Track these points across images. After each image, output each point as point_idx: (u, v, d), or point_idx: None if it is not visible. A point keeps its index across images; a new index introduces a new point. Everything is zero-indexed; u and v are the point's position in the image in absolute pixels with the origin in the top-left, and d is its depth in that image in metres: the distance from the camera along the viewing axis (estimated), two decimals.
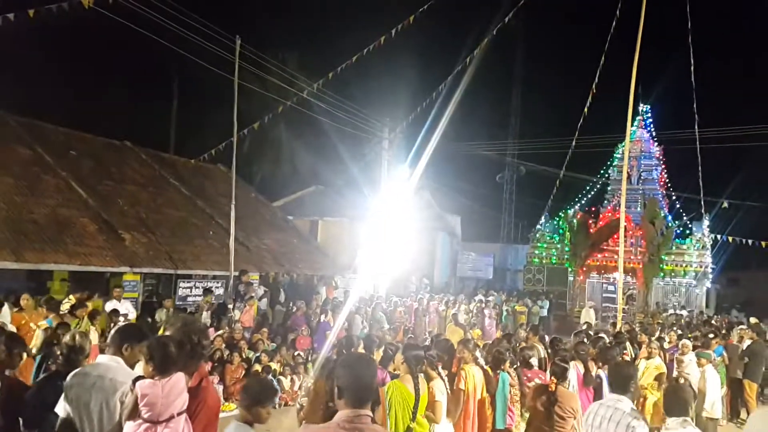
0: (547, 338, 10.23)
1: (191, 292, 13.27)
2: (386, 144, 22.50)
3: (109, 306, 10.46)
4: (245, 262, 15.12)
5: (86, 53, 26.90)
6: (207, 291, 12.96)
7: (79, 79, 25.72)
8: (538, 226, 27.87)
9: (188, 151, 21.73)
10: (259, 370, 9.84)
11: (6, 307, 8.65)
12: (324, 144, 26.92)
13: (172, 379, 3.28)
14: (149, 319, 11.54)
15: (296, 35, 35.70)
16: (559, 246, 27.03)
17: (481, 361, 6.67)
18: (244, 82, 15.24)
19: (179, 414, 3.26)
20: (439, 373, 5.61)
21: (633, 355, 9.38)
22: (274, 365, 10.43)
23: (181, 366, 3.35)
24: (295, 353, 11.40)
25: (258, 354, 10.50)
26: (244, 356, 10.21)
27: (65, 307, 9.10)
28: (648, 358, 8.88)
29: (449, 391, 5.81)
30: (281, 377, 10.23)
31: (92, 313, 8.69)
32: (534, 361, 7.11)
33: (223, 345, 10.35)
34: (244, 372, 9.85)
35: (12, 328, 6.95)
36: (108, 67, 28.03)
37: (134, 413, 3.27)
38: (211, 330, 11.11)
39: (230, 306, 12.42)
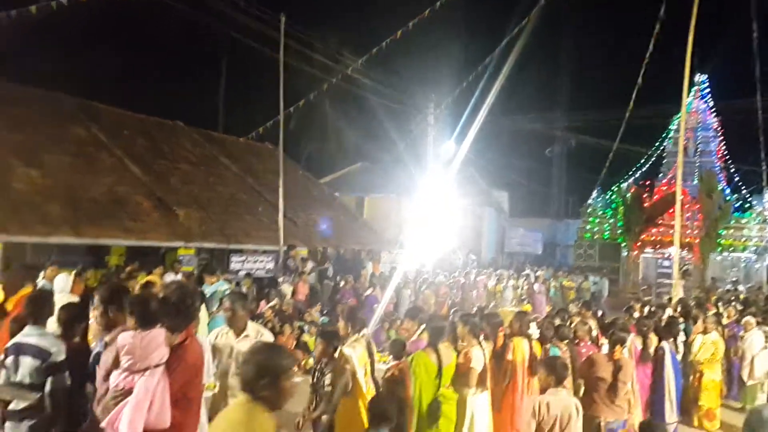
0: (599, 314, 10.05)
1: (242, 266, 13.55)
2: (432, 119, 22.31)
3: (167, 278, 10.77)
4: (294, 237, 15.34)
5: (137, 34, 27.52)
6: (247, 275, 13.02)
7: (130, 60, 26.35)
8: (590, 201, 27.26)
9: (237, 129, 22.05)
10: (307, 342, 10.06)
11: (63, 276, 8.98)
12: (370, 120, 26.86)
13: (151, 332, 3.44)
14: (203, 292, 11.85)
15: (341, 11, 35.64)
16: (611, 221, 26.41)
17: (534, 335, 6.61)
18: (289, 60, 15.32)
19: (156, 366, 3.38)
20: (479, 343, 5.58)
21: (688, 331, 9.11)
22: None
23: (166, 323, 3.51)
24: None
25: (307, 325, 10.70)
26: (294, 328, 10.41)
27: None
28: (704, 333, 8.61)
29: (488, 361, 5.76)
30: None
31: (146, 284, 8.99)
32: (592, 334, 7.00)
33: (275, 317, 10.56)
34: (295, 343, 10.07)
35: (72, 297, 7.22)
36: (158, 47, 28.61)
37: (116, 363, 3.46)
38: (263, 303, 11.36)
39: (280, 280, 12.63)
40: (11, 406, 4.01)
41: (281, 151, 14.88)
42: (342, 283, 13.85)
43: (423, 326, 5.90)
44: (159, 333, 3.45)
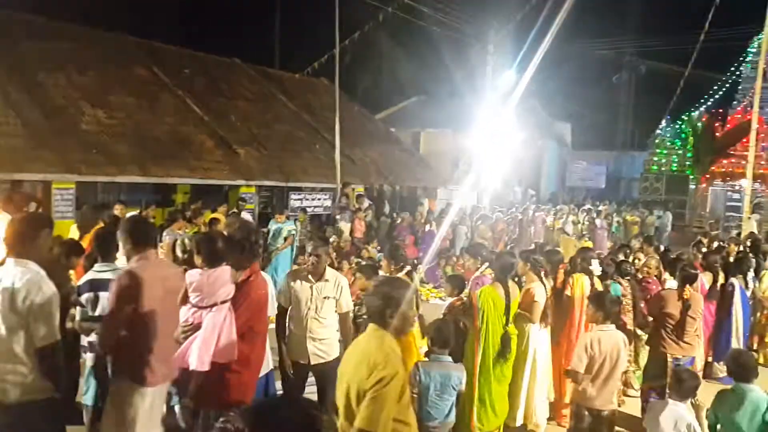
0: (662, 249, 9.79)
1: (302, 203, 13.80)
2: (491, 48, 21.52)
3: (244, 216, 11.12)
4: (350, 175, 15.44)
5: None
6: (302, 210, 13.24)
7: None
8: (658, 131, 26.05)
9: (293, 65, 22.00)
10: None
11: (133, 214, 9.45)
12: (426, 52, 26.17)
13: (217, 270, 3.55)
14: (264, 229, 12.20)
15: None
16: (680, 152, 25.25)
17: (597, 272, 6.53)
18: None
19: (223, 302, 3.51)
20: (541, 279, 5.59)
21: (758, 267, 8.78)
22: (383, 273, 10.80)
23: (231, 261, 3.62)
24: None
25: (364, 261, 10.88)
26: (352, 264, 10.62)
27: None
28: None
29: (549, 298, 5.75)
30: None
31: (211, 220, 9.31)
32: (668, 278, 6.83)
33: (333, 254, 10.80)
34: (353, 279, 10.29)
35: None
36: None
37: (185, 299, 3.60)
38: None
39: (337, 217, 12.83)
40: (91, 338, 4.28)
41: (337, 87, 14.78)
42: (398, 220, 13.94)
43: (486, 263, 5.93)
44: (225, 270, 3.58)
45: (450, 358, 4.33)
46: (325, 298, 4.57)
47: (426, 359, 4.39)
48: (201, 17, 26.77)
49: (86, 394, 4.38)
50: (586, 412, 4.63)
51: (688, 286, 5.82)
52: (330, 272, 4.68)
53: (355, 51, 23.83)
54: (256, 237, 3.90)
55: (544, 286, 5.60)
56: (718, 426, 4.22)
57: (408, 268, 5.65)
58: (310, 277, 4.62)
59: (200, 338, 3.48)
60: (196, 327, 3.53)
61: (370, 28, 18.45)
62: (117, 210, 8.98)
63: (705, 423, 4.41)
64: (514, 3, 20.14)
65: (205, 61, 17.82)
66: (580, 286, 6.02)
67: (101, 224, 7.29)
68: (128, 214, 9.05)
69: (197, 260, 3.67)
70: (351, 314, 4.84)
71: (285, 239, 9.96)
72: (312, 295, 4.59)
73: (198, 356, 3.44)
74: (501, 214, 16.57)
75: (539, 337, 5.51)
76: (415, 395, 4.05)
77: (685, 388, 4.27)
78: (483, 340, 4.97)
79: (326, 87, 20.31)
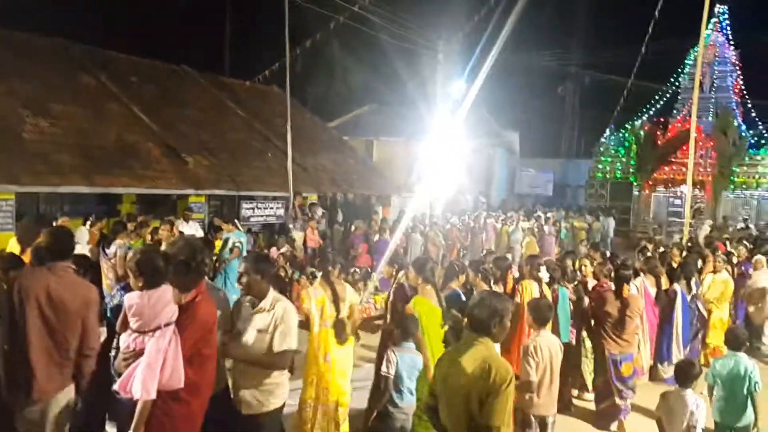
0: (608, 254, 10.10)
1: (254, 212, 13.65)
2: (441, 58, 21.83)
3: (181, 228, 10.89)
4: (303, 183, 15.36)
5: None
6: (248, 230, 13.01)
7: (134, 5, 25.84)
8: (603, 139, 26.85)
9: (243, 73, 21.78)
10: None
11: (84, 228, 9.18)
12: (378, 61, 26.33)
13: (158, 290, 3.36)
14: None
15: None
16: (624, 159, 26.08)
17: (545, 278, 6.68)
18: None
19: (166, 325, 3.31)
20: (490, 287, 5.69)
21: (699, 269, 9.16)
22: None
23: (175, 282, 3.43)
24: (351, 270, 11.68)
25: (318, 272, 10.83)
26: (308, 274, 10.56)
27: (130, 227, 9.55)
28: (714, 272, 8.69)
29: None
30: None
31: (153, 230, 9.15)
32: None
33: (287, 264, 10.71)
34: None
35: (87, 248, 7.38)
36: None
37: (125, 324, 3.41)
38: (273, 249, 11.50)
39: (291, 226, 12.75)
40: None
41: (288, 95, 14.69)
42: (353, 229, 13.95)
43: (402, 270, 5.97)
44: (166, 290, 3.39)
45: (413, 345, 4.77)
46: (258, 331, 3.87)
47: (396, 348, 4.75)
48: (149, 24, 26.21)
49: None
50: (533, 419, 4.75)
51: (625, 285, 6.13)
52: (269, 299, 3.96)
53: (306, 59, 23.80)
54: (202, 255, 3.62)
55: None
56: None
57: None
58: (247, 304, 4.00)
59: (144, 364, 3.25)
60: (138, 354, 3.31)
61: (322, 36, 18.47)
62: (61, 222, 8.70)
63: None
64: (464, 14, 20.52)
65: (153, 69, 17.46)
66: (530, 292, 6.16)
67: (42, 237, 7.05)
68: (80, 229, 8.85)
69: (135, 281, 3.44)
70: (290, 353, 3.96)
71: (231, 251, 9.63)
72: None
73: (142, 384, 3.21)
74: (456, 221, 16.79)
75: None
76: (389, 376, 4.57)
77: (692, 375, 4.72)
78: (430, 349, 4.99)
79: (278, 95, 20.17)
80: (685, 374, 4.73)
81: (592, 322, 6.44)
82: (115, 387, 3.33)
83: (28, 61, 13.24)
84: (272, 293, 4.01)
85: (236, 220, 10.66)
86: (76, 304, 3.71)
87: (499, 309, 3.20)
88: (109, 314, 4.32)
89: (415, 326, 4.81)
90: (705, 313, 8.45)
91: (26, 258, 6.68)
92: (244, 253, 9.74)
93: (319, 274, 5.63)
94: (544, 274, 6.74)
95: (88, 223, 9.90)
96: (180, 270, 3.47)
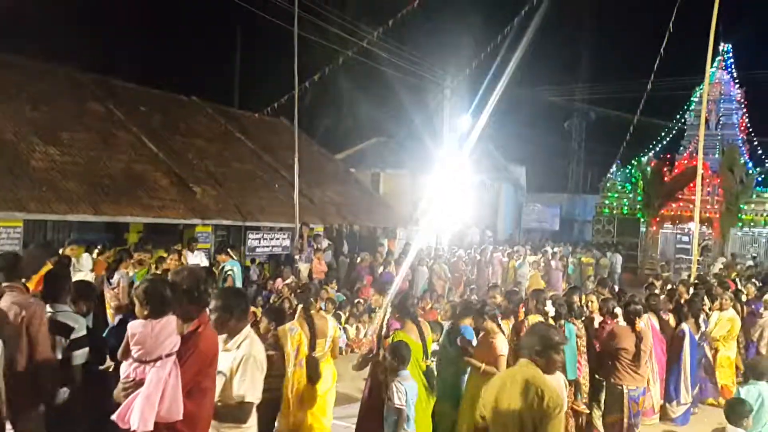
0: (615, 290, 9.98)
1: (260, 243, 13.63)
2: (448, 93, 22.04)
3: (189, 258, 10.86)
4: (309, 215, 15.36)
5: (151, 9, 27.40)
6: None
7: (144, 36, 26.32)
8: (609, 175, 26.84)
9: (252, 104, 22.02)
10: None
11: (87, 256, 9.18)
12: (385, 95, 26.65)
13: (162, 320, 3.30)
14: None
15: None
16: (631, 195, 26.02)
17: (551, 312, 6.60)
18: (304, 33, 15.17)
19: (168, 356, 3.26)
20: (499, 326, 5.59)
21: (709, 307, 9.04)
22: (343, 314, 10.72)
23: (178, 311, 3.38)
24: (356, 301, 11.60)
25: (323, 302, 10.75)
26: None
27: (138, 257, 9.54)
28: (720, 309, 8.58)
29: (511, 338, 5.79)
30: (347, 326, 10.48)
31: (158, 259, 9.12)
32: (617, 311, 7.00)
33: (291, 294, 10.62)
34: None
35: (91, 276, 7.37)
36: (172, 22, 28.49)
37: (127, 353, 3.34)
38: (279, 280, 11.43)
39: (296, 257, 12.70)
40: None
41: (296, 127, 14.81)
42: (358, 260, 13.90)
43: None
44: (170, 321, 3.34)
45: (409, 372, 4.75)
46: (218, 373, 3.53)
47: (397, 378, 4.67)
48: (159, 55, 26.66)
49: None
50: None
51: (637, 319, 6.08)
52: (238, 339, 3.65)
53: (315, 92, 24.11)
54: (206, 285, 3.59)
55: (504, 334, 5.64)
56: None
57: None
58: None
59: (143, 395, 3.19)
60: (138, 383, 3.25)
61: (330, 69, 18.67)
62: (69, 251, 8.72)
63: None
64: (471, 49, 20.77)
65: (162, 99, 17.67)
66: None
67: (48, 265, 7.07)
68: (83, 257, 8.86)
69: (140, 310, 3.37)
70: (248, 406, 3.58)
71: (224, 280, 9.52)
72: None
73: (141, 415, 3.14)
74: (462, 254, 16.71)
75: None
76: (403, 407, 4.54)
77: (743, 413, 4.71)
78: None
79: (286, 127, 20.34)
80: (736, 412, 4.73)
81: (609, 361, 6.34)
82: (114, 417, 3.26)
83: (40, 89, 13.43)
84: (246, 331, 3.70)
85: (229, 250, 10.56)
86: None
87: (547, 339, 3.44)
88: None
89: (408, 351, 4.75)
90: (710, 352, 8.33)
91: (31, 285, 6.67)
92: (238, 283, 9.64)
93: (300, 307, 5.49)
94: (550, 309, 6.66)
95: (96, 251, 9.91)
96: (183, 299, 3.43)
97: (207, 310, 3.63)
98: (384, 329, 5.40)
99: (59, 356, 4.19)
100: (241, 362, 3.54)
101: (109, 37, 23.70)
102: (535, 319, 6.18)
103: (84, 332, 4.34)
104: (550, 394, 3.27)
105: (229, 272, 9.43)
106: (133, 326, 3.34)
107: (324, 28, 18.97)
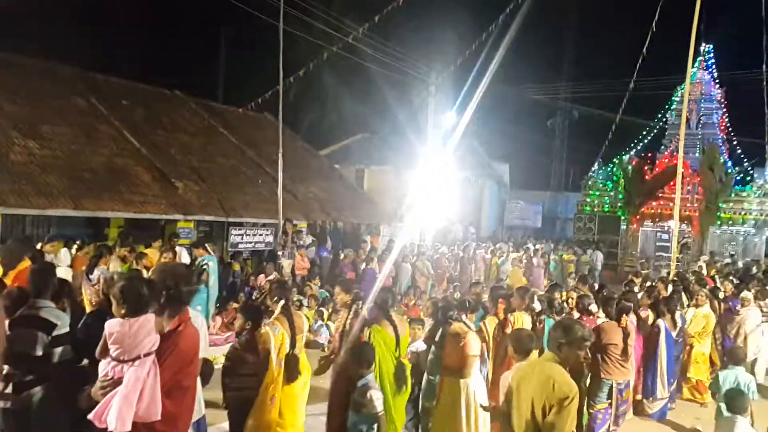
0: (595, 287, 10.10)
1: (242, 239, 13.57)
2: (433, 89, 22.08)
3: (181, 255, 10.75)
4: (293, 210, 15.33)
5: (135, 3, 27.09)
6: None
7: (128, 29, 26.01)
8: (591, 173, 27.09)
9: (236, 99, 21.88)
10: (307, 316, 10.10)
11: (66, 251, 9.08)
12: (370, 91, 26.63)
13: (140, 319, 3.27)
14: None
15: None
16: (612, 193, 26.29)
17: (537, 308, 6.70)
18: (289, 28, 15.12)
19: (146, 355, 3.23)
20: (468, 326, 5.60)
21: (686, 304, 9.19)
22: (325, 311, 10.73)
23: (157, 309, 3.36)
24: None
25: (306, 299, 10.76)
26: (294, 301, 10.47)
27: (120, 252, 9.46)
28: (696, 306, 8.74)
29: (490, 340, 5.83)
30: (329, 323, 10.49)
31: (138, 255, 9.06)
32: (593, 308, 7.13)
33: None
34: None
35: (69, 271, 7.30)
36: (156, 15, 28.17)
37: (105, 351, 3.31)
38: (261, 276, 11.41)
39: (279, 253, 12.67)
40: (15, 379, 4.08)
41: (280, 122, 14.77)
42: (342, 257, 13.90)
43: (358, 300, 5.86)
44: (148, 320, 3.30)
45: (373, 375, 4.62)
46: None
47: (365, 383, 4.50)
48: (143, 50, 26.37)
49: None
50: None
51: (624, 315, 6.23)
52: None
53: (299, 88, 24.04)
54: (187, 281, 3.58)
55: (472, 329, 5.64)
56: None
57: (359, 299, 5.51)
58: None
59: (120, 395, 3.17)
60: (116, 382, 3.23)
61: (315, 65, 18.62)
62: (48, 247, 8.62)
63: None
64: (456, 46, 20.82)
65: (145, 93, 17.49)
66: (521, 323, 6.13)
67: (27, 261, 6.98)
68: (61, 251, 8.77)
69: (117, 308, 3.33)
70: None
71: (200, 275, 9.40)
72: None
73: (118, 415, 3.12)
74: (446, 250, 16.77)
75: (477, 386, 5.47)
76: (381, 415, 4.39)
77: (741, 403, 4.98)
78: (378, 380, 4.89)
79: (269, 122, 20.25)
80: (738, 403, 4.98)
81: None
82: (90, 416, 3.23)
83: (19, 82, 13.23)
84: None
85: (206, 245, 10.46)
86: None
87: (571, 334, 3.61)
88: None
89: (372, 354, 4.68)
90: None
91: (8, 280, 6.59)
92: (213, 278, 9.59)
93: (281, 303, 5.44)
94: (536, 306, 6.75)
95: (75, 247, 9.80)
96: (161, 297, 3.40)
97: (187, 308, 3.61)
98: (349, 328, 5.34)
99: (39, 353, 4.15)
100: None
101: (92, 32, 23.36)
102: (520, 316, 6.25)
103: (66, 329, 4.29)
104: (560, 385, 3.44)
105: (205, 266, 9.35)
106: (110, 325, 3.30)
107: (309, 24, 18.92)
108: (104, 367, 3.32)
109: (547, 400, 3.43)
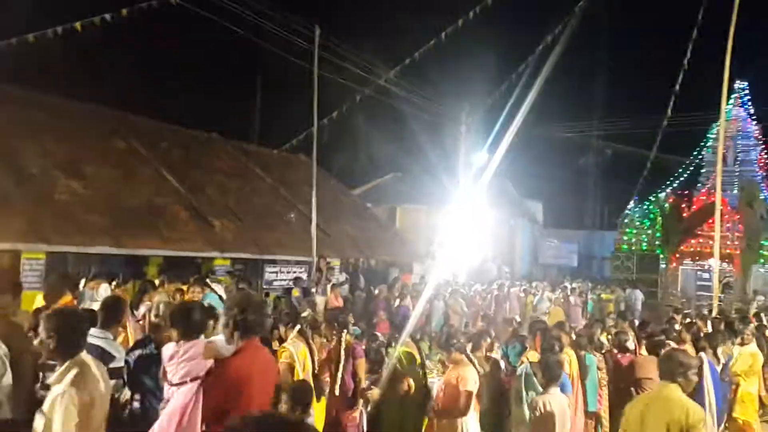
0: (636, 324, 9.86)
1: (276, 276, 13.67)
2: (464, 129, 22.24)
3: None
4: (326, 248, 15.41)
5: (173, 48, 28.15)
6: (297, 279, 13.19)
7: (167, 73, 27.00)
8: (627, 211, 26.70)
9: (271, 141, 22.36)
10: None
11: (106, 286, 9.25)
12: (402, 131, 26.88)
13: (192, 343, 3.27)
14: None
15: (374, 21, 35.83)
16: (649, 232, 25.82)
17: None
18: (323, 72, 15.49)
19: (193, 380, 3.18)
20: (470, 359, 5.38)
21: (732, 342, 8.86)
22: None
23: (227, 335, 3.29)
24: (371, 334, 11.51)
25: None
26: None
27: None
28: (742, 344, 8.41)
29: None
30: None
31: (178, 290, 9.17)
32: (630, 345, 6.94)
33: (308, 327, 10.59)
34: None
35: None
36: (193, 60, 29.23)
37: (164, 374, 3.36)
38: None
39: (313, 290, 12.70)
40: None
41: (314, 161, 15.02)
42: (376, 292, 13.87)
43: (345, 330, 5.85)
44: (199, 345, 3.28)
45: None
46: (38, 413, 3.01)
47: None
48: (180, 92, 27.28)
49: None
50: None
51: (661, 350, 6.08)
52: (60, 370, 3.02)
53: (332, 128, 24.43)
54: (256, 310, 3.39)
55: (476, 367, 5.38)
56: None
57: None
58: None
59: (163, 418, 3.17)
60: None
61: (348, 107, 18.99)
62: (92, 284, 8.83)
63: None
64: (487, 85, 21.03)
65: (183, 135, 17.98)
66: (574, 361, 6.04)
67: (68, 296, 7.15)
68: (101, 287, 8.95)
69: (172, 333, 3.37)
70: None
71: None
72: None
73: None
74: (480, 288, 16.60)
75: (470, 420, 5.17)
76: None
77: None
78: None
79: (304, 163, 20.54)
80: None
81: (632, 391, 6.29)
82: None
83: (62, 125, 13.73)
84: (71, 362, 3.01)
85: (207, 281, 10.28)
86: None
87: (684, 363, 4.03)
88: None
89: (310, 396, 4.44)
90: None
91: None
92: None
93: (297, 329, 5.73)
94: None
95: (114, 283, 9.99)
96: (217, 321, 3.47)
97: (255, 338, 3.45)
98: (335, 356, 5.37)
99: None
100: (54, 402, 2.90)
101: (130, 74, 24.35)
102: (570, 351, 6.16)
103: (122, 364, 4.31)
104: (693, 408, 3.87)
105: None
106: (167, 348, 3.39)
107: (342, 66, 19.37)
108: (166, 390, 3.35)
109: (684, 423, 3.75)
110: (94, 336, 4.18)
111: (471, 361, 5.33)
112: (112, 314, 4.41)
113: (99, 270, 10.81)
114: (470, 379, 5.02)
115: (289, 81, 24.82)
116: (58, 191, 11.95)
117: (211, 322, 3.81)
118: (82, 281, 8.76)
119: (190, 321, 3.35)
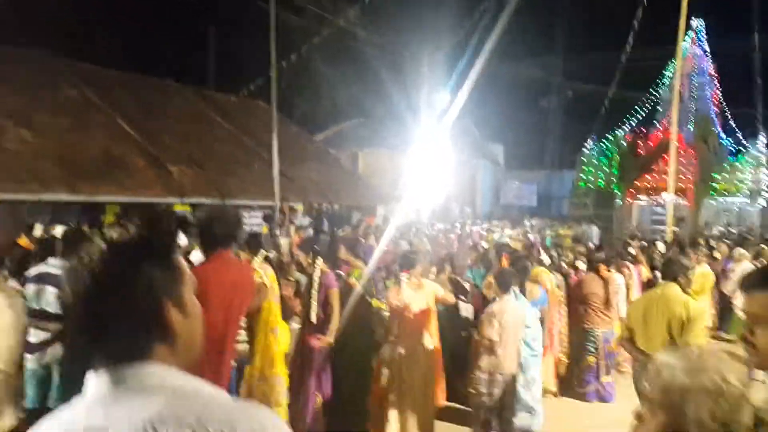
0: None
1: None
2: (426, 70, 22.06)
3: None
4: (289, 193, 15.35)
5: None
6: (267, 217, 13.22)
7: (117, 17, 25.88)
8: (585, 149, 27.18)
9: (229, 86, 21.82)
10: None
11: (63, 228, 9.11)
12: (363, 74, 26.53)
13: None
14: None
15: None
16: (606, 169, 26.38)
17: (547, 262, 6.94)
18: (281, 12, 15.06)
19: None
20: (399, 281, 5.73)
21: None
22: None
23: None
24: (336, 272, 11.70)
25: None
26: (292, 278, 10.55)
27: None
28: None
29: None
30: None
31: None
32: (581, 265, 7.26)
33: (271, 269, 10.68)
34: (294, 291, 10.23)
35: None
36: (146, 5, 28.02)
37: None
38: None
39: (277, 233, 12.71)
40: (32, 339, 4.11)
41: (274, 107, 14.74)
42: (340, 233, 13.94)
43: (318, 257, 5.86)
44: None
45: None
46: None
47: None
48: (133, 39, 26.23)
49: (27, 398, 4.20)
50: (499, 377, 4.87)
51: (601, 265, 6.61)
52: None
53: (293, 73, 23.95)
54: (223, 225, 3.30)
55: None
56: None
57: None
58: None
59: None
60: None
61: (307, 50, 18.58)
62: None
63: None
64: (449, 26, 20.78)
65: (136, 82, 17.45)
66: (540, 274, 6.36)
67: (23, 239, 7.06)
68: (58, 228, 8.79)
69: None
70: None
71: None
72: None
73: None
74: (442, 227, 16.84)
75: None
76: None
77: None
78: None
79: (263, 109, 20.18)
80: None
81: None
82: None
83: (11, 73, 13.19)
84: None
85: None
86: None
87: (684, 264, 4.54)
88: None
89: None
90: None
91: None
92: None
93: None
94: (545, 259, 6.95)
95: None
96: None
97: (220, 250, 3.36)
98: (318, 286, 5.45)
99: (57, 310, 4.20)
100: None
101: (82, 22, 23.25)
102: (537, 269, 6.46)
103: None
104: (693, 305, 4.23)
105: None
106: None
107: (300, 7, 18.86)
108: None
109: (685, 315, 4.10)
110: (52, 265, 4.18)
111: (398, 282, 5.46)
112: (72, 245, 4.40)
113: (55, 218, 10.58)
114: (436, 294, 5.31)
115: (245, 23, 24.09)
116: (8, 139, 11.57)
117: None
118: (39, 227, 8.57)
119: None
